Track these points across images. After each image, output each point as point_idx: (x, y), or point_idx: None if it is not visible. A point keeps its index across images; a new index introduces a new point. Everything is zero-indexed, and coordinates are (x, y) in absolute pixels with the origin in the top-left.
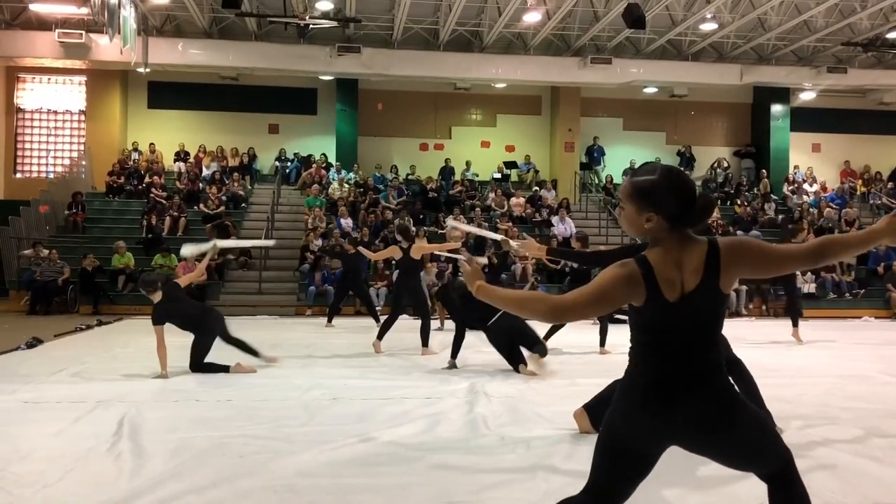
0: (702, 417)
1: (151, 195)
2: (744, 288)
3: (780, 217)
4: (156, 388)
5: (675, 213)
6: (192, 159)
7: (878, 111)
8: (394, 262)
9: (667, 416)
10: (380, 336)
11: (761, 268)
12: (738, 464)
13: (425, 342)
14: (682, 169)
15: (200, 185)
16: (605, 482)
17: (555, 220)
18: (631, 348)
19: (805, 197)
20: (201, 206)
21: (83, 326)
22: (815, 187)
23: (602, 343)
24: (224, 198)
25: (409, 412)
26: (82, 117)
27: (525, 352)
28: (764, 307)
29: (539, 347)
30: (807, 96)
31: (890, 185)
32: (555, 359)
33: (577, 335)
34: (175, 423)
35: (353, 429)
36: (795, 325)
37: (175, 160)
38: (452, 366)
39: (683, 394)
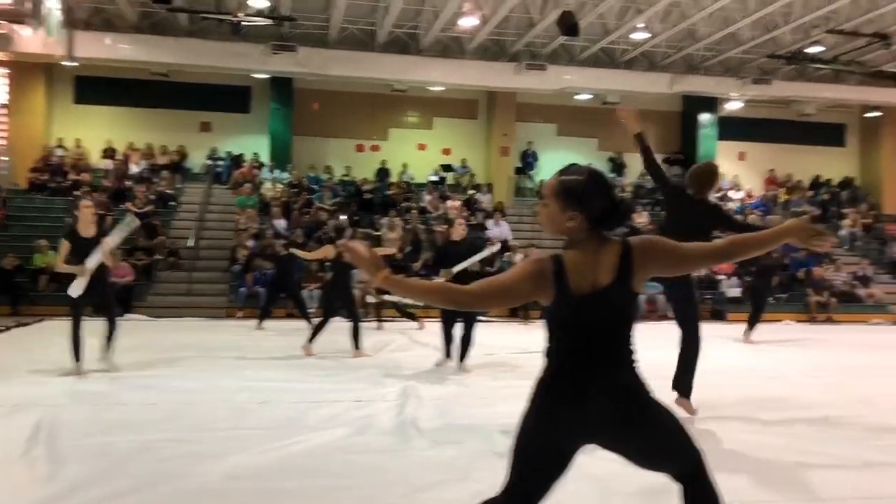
0: (613, 412)
1: (76, 193)
2: None
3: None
4: (75, 390)
5: (598, 214)
6: (119, 156)
7: (800, 122)
8: (327, 263)
9: (580, 410)
10: (311, 339)
11: (671, 266)
12: (650, 461)
13: (356, 344)
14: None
15: (128, 183)
16: (523, 481)
17: (490, 223)
18: (546, 347)
19: (731, 204)
20: (128, 204)
21: (1, 328)
22: (741, 194)
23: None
24: (152, 196)
25: (339, 415)
26: (4, 111)
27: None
28: None
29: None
30: (733, 106)
31: (811, 193)
32: (491, 359)
33: (515, 336)
34: (95, 426)
35: (281, 432)
36: (750, 327)
37: (102, 157)
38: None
39: (595, 389)
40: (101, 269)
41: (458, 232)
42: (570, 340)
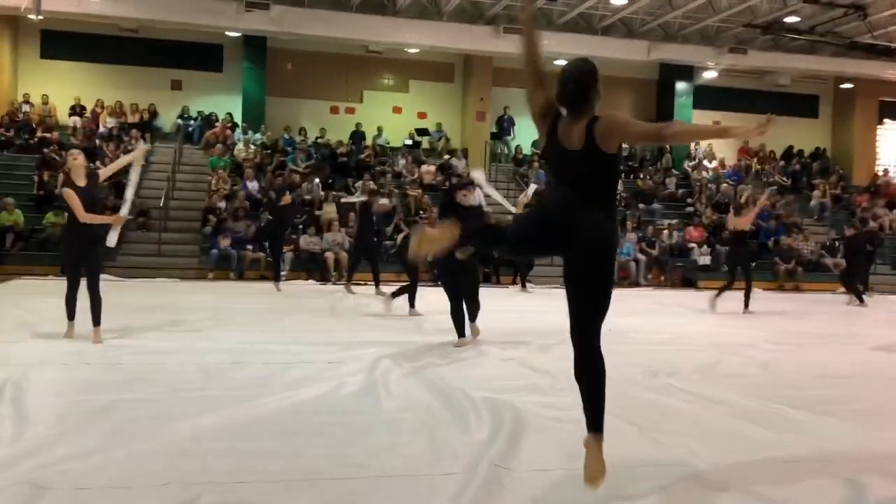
0: (579, 227)
1: (44, 151)
2: (643, 258)
3: (680, 191)
4: (43, 351)
5: (561, 99)
6: (88, 114)
7: (774, 92)
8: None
9: (563, 217)
10: (412, 303)
11: (624, 137)
12: (576, 283)
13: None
14: None
15: (97, 141)
16: (522, 231)
17: None
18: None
19: (704, 173)
20: (98, 163)
21: None
22: (714, 164)
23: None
24: (122, 155)
25: (310, 377)
26: None
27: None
28: (662, 277)
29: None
30: (709, 75)
31: (782, 163)
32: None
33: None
34: (62, 386)
35: (251, 392)
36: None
37: (70, 115)
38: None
39: (571, 211)
40: (101, 228)
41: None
42: (556, 177)
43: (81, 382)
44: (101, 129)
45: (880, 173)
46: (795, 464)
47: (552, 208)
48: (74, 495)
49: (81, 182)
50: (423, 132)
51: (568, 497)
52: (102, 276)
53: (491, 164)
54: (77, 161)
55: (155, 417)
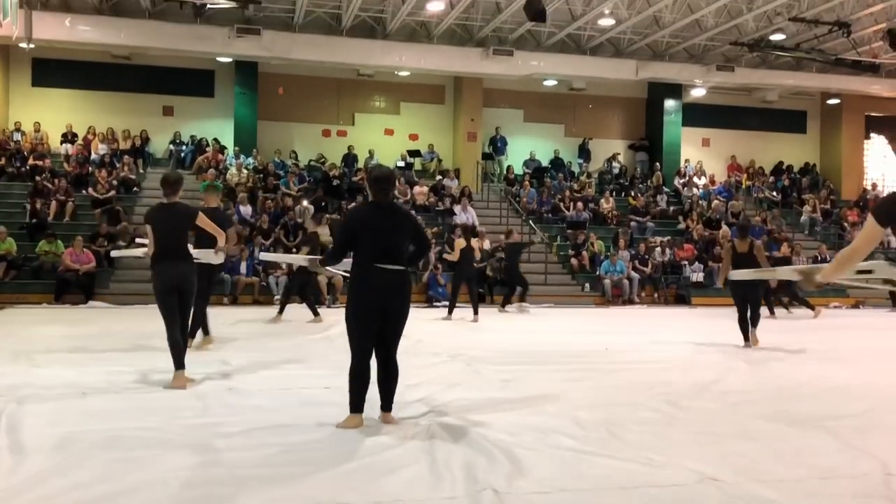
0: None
1: (37, 178)
2: (636, 276)
3: (672, 208)
4: (39, 381)
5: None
6: (80, 141)
7: (762, 108)
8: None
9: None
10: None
11: None
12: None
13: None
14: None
15: (90, 168)
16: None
17: (457, 209)
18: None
19: (695, 189)
20: (90, 190)
21: None
22: (704, 180)
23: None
24: (114, 182)
25: (309, 401)
26: None
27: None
28: (655, 295)
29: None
30: (697, 93)
31: (772, 179)
32: (422, 346)
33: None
34: (59, 417)
35: (249, 418)
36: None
37: (62, 142)
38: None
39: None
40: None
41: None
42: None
43: (79, 412)
44: (94, 155)
45: (868, 187)
46: (797, 484)
47: None
48: None
49: None
50: (414, 153)
51: None
52: (95, 302)
53: (483, 184)
54: None
55: (154, 447)
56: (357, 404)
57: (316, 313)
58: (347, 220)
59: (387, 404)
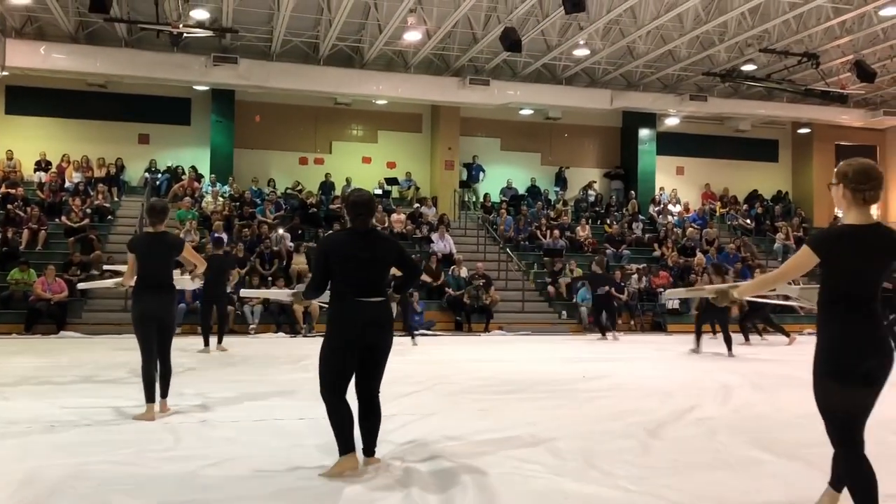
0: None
1: (8, 207)
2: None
3: (647, 236)
4: (6, 414)
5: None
6: (54, 169)
7: (735, 137)
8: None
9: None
10: None
11: None
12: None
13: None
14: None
15: (63, 196)
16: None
17: (434, 236)
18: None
19: (670, 217)
20: (63, 218)
21: None
22: (679, 208)
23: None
24: (88, 210)
25: (283, 434)
26: None
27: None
28: (632, 322)
29: None
30: (671, 122)
31: (745, 207)
32: (396, 374)
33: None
34: (26, 451)
35: (221, 451)
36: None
37: (35, 170)
38: None
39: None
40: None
41: None
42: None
43: (46, 446)
44: (67, 183)
45: (839, 214)
46: None
47: None
48: None
49: None
50: (392, 181)
51: None
52: (67, 332)
53: (460, 212)
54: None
55: (124, 482)
56: (346, 443)
57: (207, 342)
58: (322, 248)
59: (369, 448)
